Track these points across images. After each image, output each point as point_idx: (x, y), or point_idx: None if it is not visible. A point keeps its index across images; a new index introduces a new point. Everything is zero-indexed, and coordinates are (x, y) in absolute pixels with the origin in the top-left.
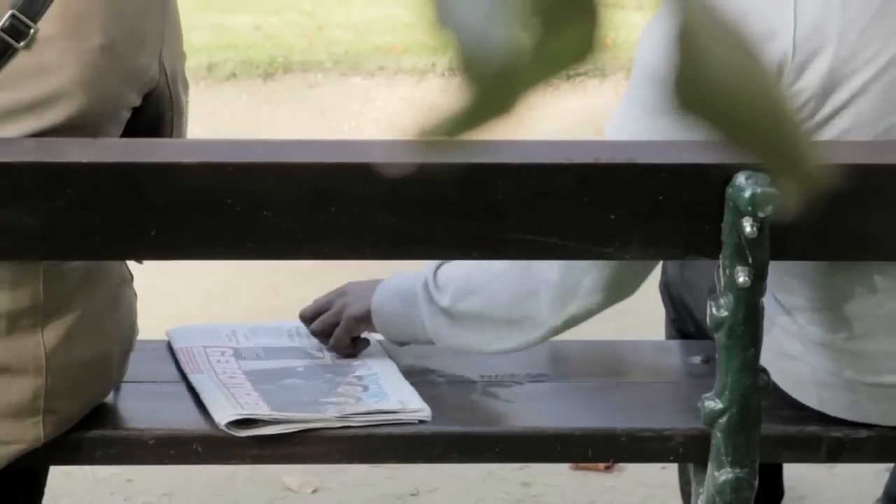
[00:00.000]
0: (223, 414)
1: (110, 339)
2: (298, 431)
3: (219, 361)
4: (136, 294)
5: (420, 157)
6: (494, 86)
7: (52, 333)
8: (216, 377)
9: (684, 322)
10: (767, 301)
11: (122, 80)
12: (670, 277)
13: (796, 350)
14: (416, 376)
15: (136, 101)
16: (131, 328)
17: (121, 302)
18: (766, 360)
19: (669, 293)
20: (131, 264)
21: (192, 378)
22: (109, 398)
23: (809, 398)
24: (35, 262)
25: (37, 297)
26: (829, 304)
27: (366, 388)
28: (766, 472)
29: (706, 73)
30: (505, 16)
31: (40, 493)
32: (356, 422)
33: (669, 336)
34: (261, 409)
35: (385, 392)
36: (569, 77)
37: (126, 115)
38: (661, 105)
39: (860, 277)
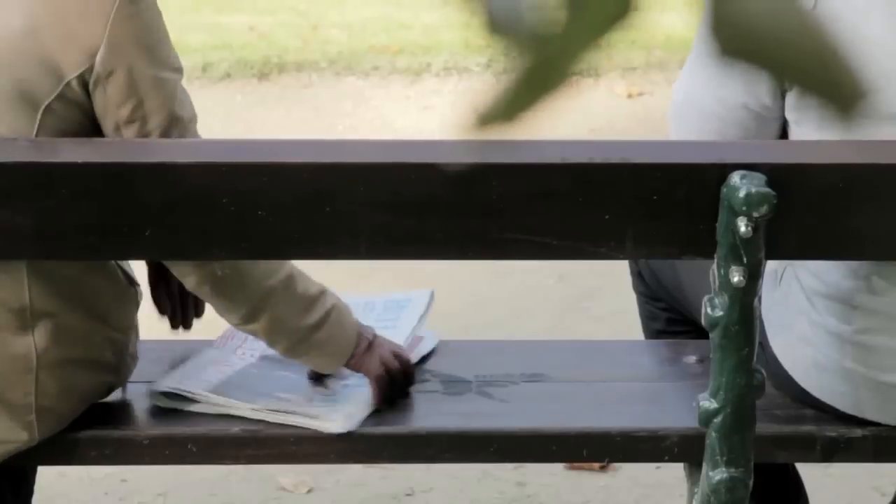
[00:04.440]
0: (160, 383)
1: (104, 340)
2: (294, 432)
3: (255, 339)
4: (138, 296)
5: (483, 145)
6: (542, 56)
7: (42, 332)
8: (227, 355)
9: (655, 296)
10: (790, 284)
11: (37, 66)
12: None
13: (809, 334)
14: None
15: (51, 92)
16: (128, 329)
17: (116, 304)
18: (781, 342)
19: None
20: (137, 269)
21: (203, 350)
22: (103, 395)
23: (812, 385)
24: (19, 262)
25: (22, 296)
26: (848, 294)
27: (334, 393)
28: (782, 475)
29: (741, 18)
30: None
31: (29, 493)
32: (270, 418)
33: (644, 315)
34: (197, 388)
35: (344, 399)
36: (613, 43)
37: (42, 104)
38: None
39: (884, 273)
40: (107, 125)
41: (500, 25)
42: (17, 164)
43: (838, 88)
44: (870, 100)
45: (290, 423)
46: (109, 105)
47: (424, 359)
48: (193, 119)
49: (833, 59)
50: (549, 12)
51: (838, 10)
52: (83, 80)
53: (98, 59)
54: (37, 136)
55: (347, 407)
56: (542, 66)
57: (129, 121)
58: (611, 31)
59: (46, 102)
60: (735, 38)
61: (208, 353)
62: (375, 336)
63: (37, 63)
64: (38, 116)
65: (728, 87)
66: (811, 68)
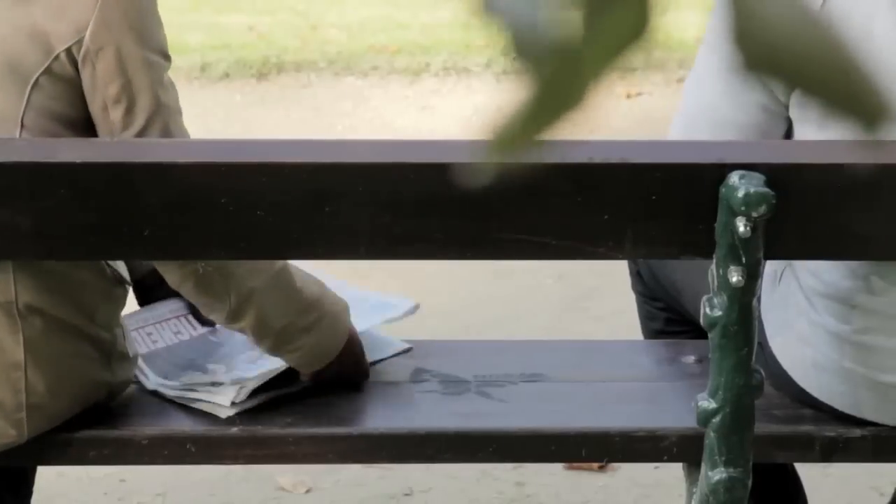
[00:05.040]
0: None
1: (91, 338)
2: (293, 432)
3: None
4: (125, 295)
5: (498, 161)
6: (557, 77)
7: (30, 328)
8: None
9: (654, 296)
10: (789, 283)
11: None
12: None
13: (808, 334)
14: (410, 376)
15: (40, 66)
16: (114, 328)
17: (102, 301)
18: (780, 342)
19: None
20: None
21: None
22: (102, 398)
23: (811, 385)
24: (4, 261)
25: (7, 290)
26: (847, 293)
27: (245, 371)
28: (781, 475)
29: (764, 32)
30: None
31: (29, 493)
32: (173, 394)
33: (643, 315)
34: (145, 346)
35: (249, 377)
36: (631, 64)
37: (31, 79)
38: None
39: (884, 273)
40: (94, 105)
41: (516, 46)
42: (16, 163)
43: (862, 103)
44: (893, 115)
45: (187, 402)
46: (98, 82)
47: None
48: (179, 112)
49: (857, 73)
50: (565, 32)
51: (846, 11)
52: (72, 55)
53: (88, 34)
54: (24, 115)
55: (248, 382)
56: (558, 86)
57: (117, 100)
58: (628, 49)
59: (35, 77)
60: (759, 52)
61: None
62: (360, 351)
63: (26, 35)
64: (28, 92)
65: (746, 93)
66: (836, 82)
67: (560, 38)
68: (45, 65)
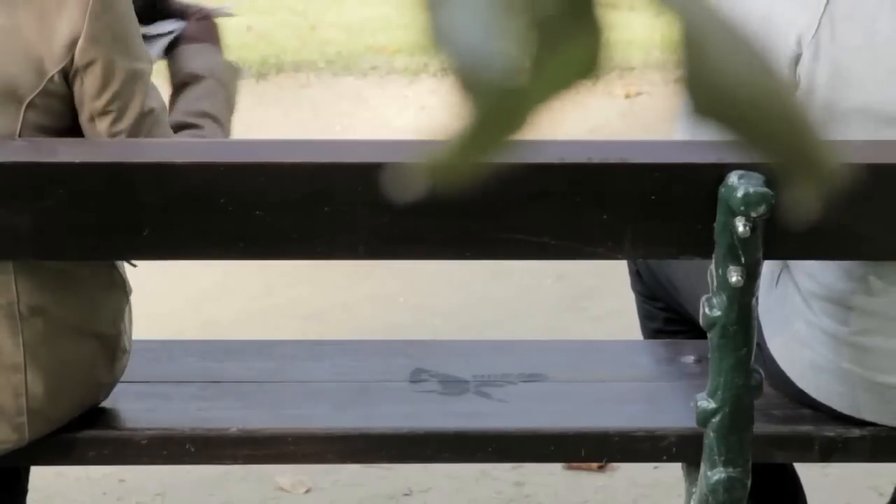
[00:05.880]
0: None
1: (93, 341)
2: (292, 431)
3: None
4: (128, 298)
5: (431, 180)
6: (498, 107)
7: (30, 332)
8: None
9: (654, 295)
10: (786, 285)
11: (19, 62)
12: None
13: (805, 335)
14: (409, 376)
15: (35, 88)
16: (118, 331)
17: (105, 304)
18: (778, 343)
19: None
20: (128, 269)
21: None
22: (102, 398)
23: (809, 386)
24: (5, 262)
25: (9, 291)
26: (844, 295)
27: None
28: (780, 475)
29: (715, 77)
30: (502, 34)
31: (24, 492)
32: None
33: (642, 314)
34: None
35: None
36: (575, 95)
37: (26, 100)
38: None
39: (881, 274)
40: (82, 115)
41: (463, 71)
42: (15, 164)
43: (807, 159)
44: (840, 174)
45: None
46: (85, 96)
47: None
48: (164, 110)
49: (803, 127)
50: (514, 64)
51: (849, 11)
52: (65, 73)
53: (77, 50)
54: (20, 134)
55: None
56: (500, 114)
57: (103, 112)
58: (576, 83)
59: (30, 98)
60: (708, 97)
61: None
62: None
63: (20, 59)
64: (22, 113)
65: None
66: (781, 136)
67: (508, 77)
68: (40, 87)
